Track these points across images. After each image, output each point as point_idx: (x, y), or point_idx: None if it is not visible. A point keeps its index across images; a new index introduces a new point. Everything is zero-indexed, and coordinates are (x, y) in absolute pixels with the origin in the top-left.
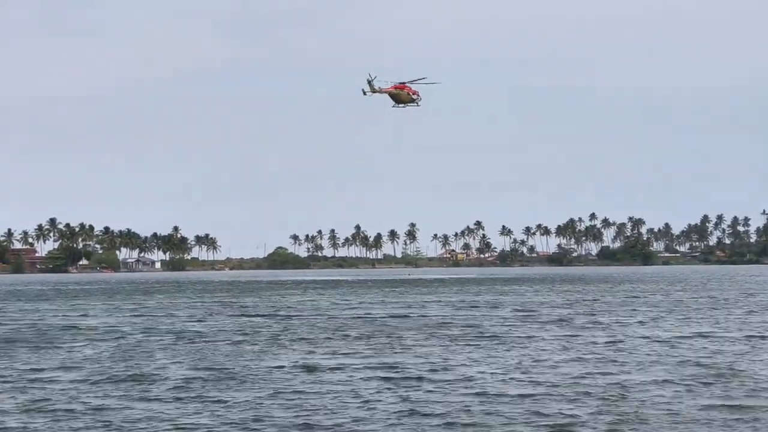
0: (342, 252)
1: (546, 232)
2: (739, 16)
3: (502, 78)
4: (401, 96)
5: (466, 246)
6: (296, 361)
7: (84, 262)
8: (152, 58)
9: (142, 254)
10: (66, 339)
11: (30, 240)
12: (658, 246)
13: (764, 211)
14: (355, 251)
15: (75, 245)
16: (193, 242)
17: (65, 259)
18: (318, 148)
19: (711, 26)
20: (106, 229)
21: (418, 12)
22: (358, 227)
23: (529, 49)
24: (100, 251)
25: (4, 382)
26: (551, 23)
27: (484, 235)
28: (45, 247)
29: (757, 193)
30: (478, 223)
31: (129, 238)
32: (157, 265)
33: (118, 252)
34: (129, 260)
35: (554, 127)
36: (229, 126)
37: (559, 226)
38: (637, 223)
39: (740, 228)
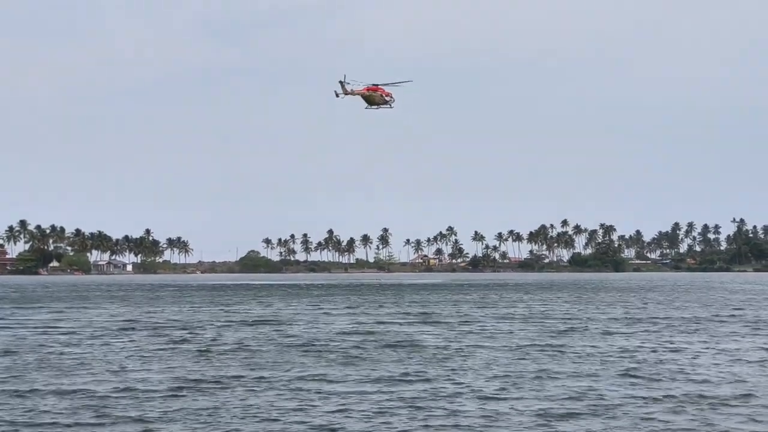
0: (315, 256)
1: (518, 238)
2: (707, 26)
3: (475, 85)
4: (374, 98)
5: (439, 251)
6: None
7: (55, 264)
8: (125, 60)
9: (113, 257)
10: None
11: (0, 241)
12: (629, 253)
13: (734, 219)
14: (328, 256)
15: (46, 247)
16: (164, 245)
17: (36, 261)
18: (291, 151)
19: (680, 35)
20: (78, 231)
21: (392, 16)
22: (331, 231)
23: (502, 57)
24: (71, 253)
25: None
26: (521, 33)
27: (456, 240)
28: (15, 249)
29: (727, 201)
30: (451, 229)
31: (100, 241)
32: (129, 267)
33: (89, 254)
34: (100, 263)
35: (526, 135)
36: (201, 129)
37: (531, 232)
38: (608, 230)
39: (710, 235)
